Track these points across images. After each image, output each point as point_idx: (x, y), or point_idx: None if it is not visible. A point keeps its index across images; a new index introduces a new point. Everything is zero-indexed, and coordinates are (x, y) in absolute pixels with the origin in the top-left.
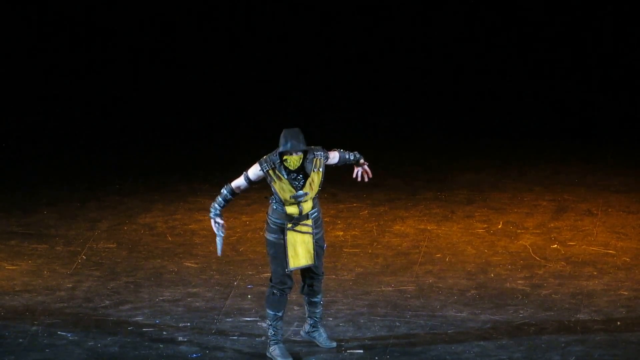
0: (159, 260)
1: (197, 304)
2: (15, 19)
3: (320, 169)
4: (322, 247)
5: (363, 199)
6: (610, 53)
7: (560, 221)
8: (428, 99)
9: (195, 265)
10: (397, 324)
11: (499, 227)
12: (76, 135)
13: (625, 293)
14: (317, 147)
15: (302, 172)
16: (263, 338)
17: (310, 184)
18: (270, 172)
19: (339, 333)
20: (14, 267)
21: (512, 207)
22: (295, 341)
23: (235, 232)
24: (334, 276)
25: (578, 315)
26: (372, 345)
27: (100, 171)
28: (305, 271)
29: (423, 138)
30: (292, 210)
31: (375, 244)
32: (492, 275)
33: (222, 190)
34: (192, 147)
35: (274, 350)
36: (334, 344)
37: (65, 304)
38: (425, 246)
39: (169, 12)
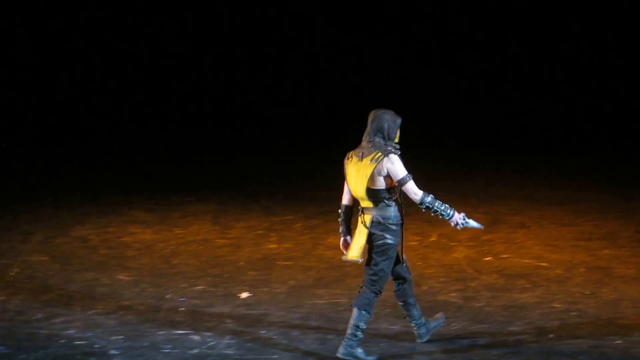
0: (92, 273)
1: (130, 316)
2: None
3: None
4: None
5: (297, 212)
6: (544, 66)
7: (493, 234)
8: (361, 112)
9: (128, 278)
10: (330, 336)
11: (433, 239)
12: (9, 148)
13: (558, 305)
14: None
15: None
16: (196, 351)
17: None
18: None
19: (271, 346)
20: None
21: (445, 220)
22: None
23: (169, 245)
24: (267, 289)
25: (511, 328)
26: (305, 359)
27: (33, 184)
28: (404, 267)
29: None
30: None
31: (308, 256)
32: (426, 287)
33: (427, 199)
34: (126, 160)
35: (363, 353)
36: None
37: None
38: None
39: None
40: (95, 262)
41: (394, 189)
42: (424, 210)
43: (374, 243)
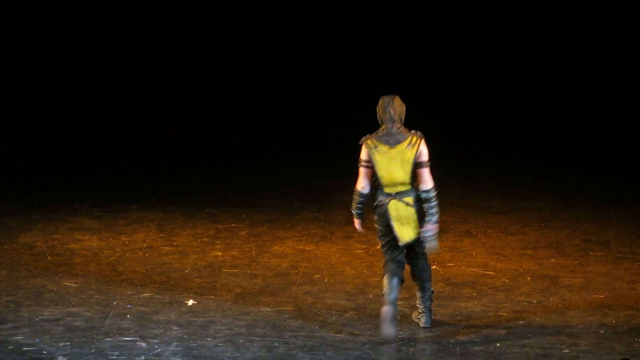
0: (39, 280)
1: (77, 323)
2: None
3: None
4: None
5: (242, 220)
6: (492, 70)
7: (439, 242)
8: (304, 119)
9: (75, 285)
10: (276, 344)
11: (378, 247)
12: None
13: (505, 314)
14: (373, 133)
15: None
16: (142, 357)
17: None
18: None
19: (218, 353)
20: None
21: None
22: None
23: (115, 252)
24: (212, 296)
25: (457, 337)
26: None
27: None
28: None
29: (302, 158)
30: None
31: (254, 264)
32: (371, 296)
33: (435, 192)
34: (72, 167)
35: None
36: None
37: None
38: (304, 267)
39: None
40: (42, 269)
41: None
42: (423, 198)
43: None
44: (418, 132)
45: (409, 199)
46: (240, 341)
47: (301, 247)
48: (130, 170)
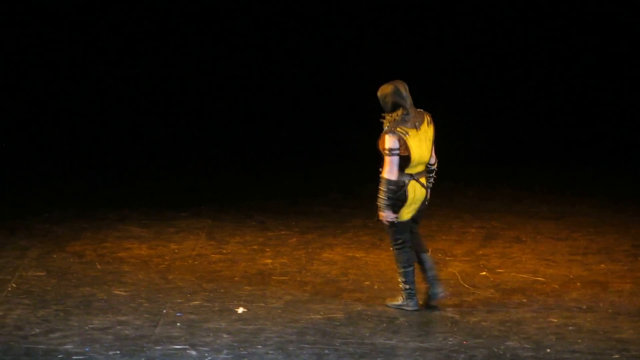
0: (89, 288)
1: (127, 331)
2: None
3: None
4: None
5: (291, 227)
6: (540, 78)
7: (488, 248)
8: (354, 125)
9: (125, 293)
10: (327, 351)
11: (428, 254)
12: (3, 163)
13: (555, 320)
14: (396, 120)
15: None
16: None
17: None
18: None
19: None
20: None
21: (440, 235)
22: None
23: (165, 260)
24: (262, 304)
25: (507, 343)
26: None
27: (29, 200)
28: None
29: (350, 165)
30: None
31: (303, 271)
32: (421, 302)
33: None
34: (122, 175)
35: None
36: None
37: None
38: (354, 274)
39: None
40: (92, 278)
41: None
42: (430, 170)
43: (427, 201)
44: (425, 110)
45: (424, 179)
46: (291, 349)
47: (351, 254)
48: (179, 178)
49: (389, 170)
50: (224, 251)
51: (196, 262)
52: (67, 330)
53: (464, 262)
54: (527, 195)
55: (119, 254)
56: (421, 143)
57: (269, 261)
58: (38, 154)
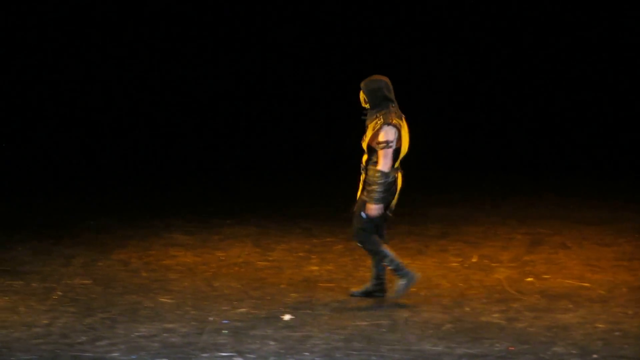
0: (134, 296)
1: (173, 339)
2: None
3: (372, 132)
4: (359, 209)
5: (337, 234)
6: (587, 84)
7: (534, 254)
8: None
9: (171, 301)
10: (373, 358)
11: (474, 260)
12: (49, 172)
13: (601, 326)
14: (388, 112)
15: (367, 119)
16: None
17: (366, 132)
18: None
19: None
20: None
21: (486, 241)
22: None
23: (210, 267)
24: (309, 311)
25: (554, 349)
26: None
27: (74, 208)
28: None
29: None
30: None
31: (350, 278)
32: (468, 308)
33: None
34: (167, 183)
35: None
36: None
37: (42, 340)
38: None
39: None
40: (137, 285)
41: None
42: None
43: None
44: None
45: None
46: (338, 355)
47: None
48: (224, 186)
49: (385, 164)
50: (270, 258)
51: (242, 270)
52: (114, 338)
53: (510, 268)
54: (572, 201)
55: (165, 262)
56: (406, 135)
57: (315, 268)
58: (83, 162)
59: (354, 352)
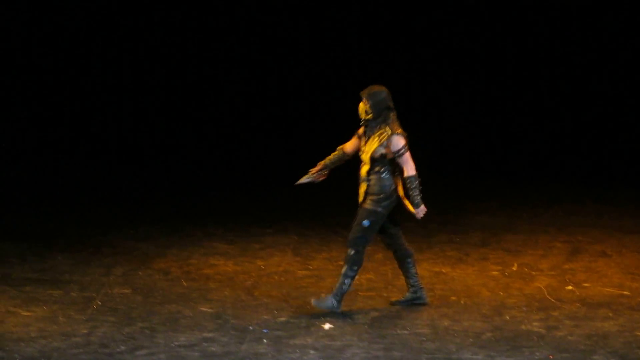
0: (174, 305)
1: (213, 348)
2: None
3: (379, 143)
4: (362, 218)
5: (377, 242)
6: (624, 95)
7: (574, 262)
8: (442, 141)
9: (211, 310)
10: None
11: (514, 269)
12: (90, 181)
13: None
14: (393, 122)
15: (369, 130)
16: None
17: (369, 144)
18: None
19: None
20: (29, 313)
21: (526, 249)
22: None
23: (251, 276)
24: (349, 320)
25: (594, 357)
26: None
27: (114, 217)
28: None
29: (437, 180)
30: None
31: (390, 287)
32: (508, 317)
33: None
34: (207, 192)
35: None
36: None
37: (81, 350)
38: (440, 289)
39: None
40: (178, 295)
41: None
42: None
43: None
44: None
45: None
46: None
47: (437, 269)
48: (265, 195)
49: (412, 167)
50: (311, 267)
51: (282, 279)
52: (153, 348)
53: (550, 277)
54: (612, 210)
55: (205, 271)
56: None
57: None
58: (124, 172)
59: None
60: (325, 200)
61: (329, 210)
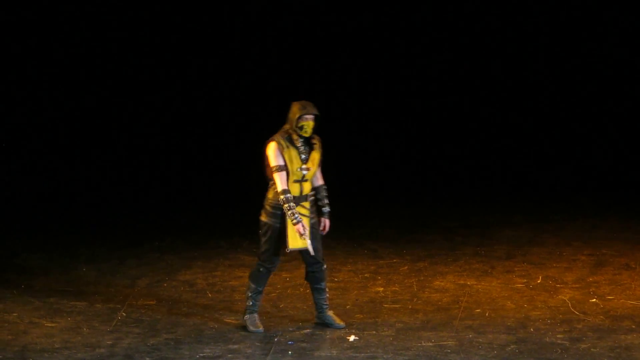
0: (199, 317)
1: None
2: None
3: (320, 150)
4: (318, 231)
5: (403, 255)
6: None
7: (598, 275)
8: (467, 155)
9: (236, 322)
10: None
11: (538, 281)
12: (116, 192)
13: None
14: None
15: (307, 146)
16: None
17: (312, 161)
18: (282, 141)
19: None
20: (53, 324)
21: (551, 262)
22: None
23: (276, 288)
24: (374, 332)
25: None
26: None
27: (139, 228)
28: (306, 258)
29: (462, 193)
30: (294, 189)
31: (415, 299)
32: (532, 329)
33: (283, 196)
34: (233, 204)
35: (249, 319)
36: (343, 324)
37: None
38: (465, 301)
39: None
40: (202, 306)
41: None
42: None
43: None
44: (276, 134)
45: None
46: None
47: (462, 282)
48: None
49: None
50: (336, 279)
51: (308, 291)
52: (178, 359)
53: (574, 289)
54: (636, 223)
55: (230, 283)
56: None
57: (381, 289)
58: (150, 183)
59: None
60: (351, 212)
61: (355, 223)
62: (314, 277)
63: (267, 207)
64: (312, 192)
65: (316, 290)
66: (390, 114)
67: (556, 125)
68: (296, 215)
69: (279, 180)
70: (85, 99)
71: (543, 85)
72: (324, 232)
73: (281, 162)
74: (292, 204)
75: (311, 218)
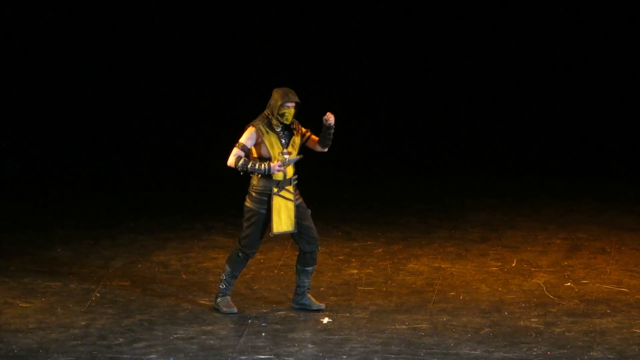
0: (173, 298)
1: (211, 341)
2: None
3: (300, 134)
4: (307, 209)
5: (377, 237)
6: (625, 90)
7: (573, 259)
8: (442, 137)
9: (209, 303)
10: None
11: (513, 265)
12: (90, 173)
13: (639, 331)
14: None
15: (287, 131)
16: None
17: (292, 145)
18: (262, 127)
19: None
20: (27, 305)
21: (526, 246)
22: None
23: (250, 270)
24: (348, 314)
25: (591, 353)
26: None
27: (114, 209)
28: (302, 239)
29: (437, 176)
30: (277, 174)
31: (389, 282)
32: (506, 313)
33: (239, 165)
34: (207, 185)
35: (221, 302)
36: (323, 306)
37: (79, 342)
38: (440, 284)
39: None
40: (176, 287)
41: (256, 158)
42: (241, 174)
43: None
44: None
45: None
46: (376, 359)
47: (436, 265)
48: None
49: None
50: None
51: (282, 272)
52: (152, 340)
53: (549, 273)
54: (612, 207)
55: (204, 264)
56: None
57: (355, 271)
58: (122, 164)
59: (392, 356)
60: (324, 195)
61: (329, 205)
62: (310, 259)
63: (252, 193)
64: (296, 176)
65: (304, 272)
66: (363, 95)
67: (532, 108)
68: (257, 165)
69: (233, 156)
70: (58, 76)
71: (518, 65)
72: (331, 117)
73: (248, 146)
74: (243, 161)
75: (295, 200)
